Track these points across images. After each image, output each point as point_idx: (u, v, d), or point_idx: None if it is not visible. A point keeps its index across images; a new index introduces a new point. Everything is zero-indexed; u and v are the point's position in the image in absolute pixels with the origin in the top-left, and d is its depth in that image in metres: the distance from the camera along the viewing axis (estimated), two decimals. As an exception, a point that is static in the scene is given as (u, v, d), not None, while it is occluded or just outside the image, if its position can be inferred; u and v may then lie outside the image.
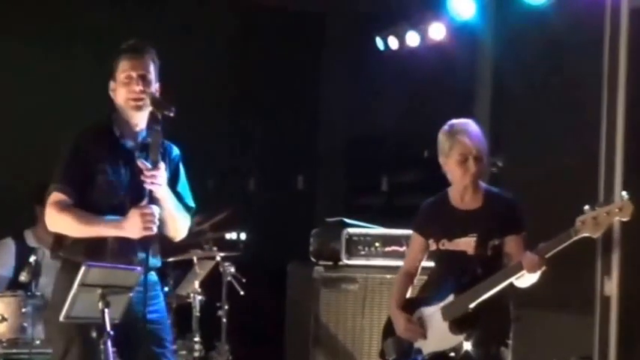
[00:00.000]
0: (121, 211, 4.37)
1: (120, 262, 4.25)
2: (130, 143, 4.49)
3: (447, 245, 4.73)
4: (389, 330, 4.95)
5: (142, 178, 4.28)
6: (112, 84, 4.51)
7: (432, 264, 4.94)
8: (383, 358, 5.01)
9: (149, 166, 4.32)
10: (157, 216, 4.29)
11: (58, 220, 4.39)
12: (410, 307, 4.87)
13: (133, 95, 4.40)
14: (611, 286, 4.86)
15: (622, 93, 4.95)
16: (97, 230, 4.35)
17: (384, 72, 8.47)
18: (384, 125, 8.59)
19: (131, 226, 4.27)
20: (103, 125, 4.52)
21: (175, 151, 4.67)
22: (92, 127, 4.56)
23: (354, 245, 6.55)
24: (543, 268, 4.41)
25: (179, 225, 4.58)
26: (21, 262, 6.02)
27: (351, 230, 6.55)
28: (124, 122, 4.50)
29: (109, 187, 4.42)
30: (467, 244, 4.67)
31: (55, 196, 4.41)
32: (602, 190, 4.90)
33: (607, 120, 4.98)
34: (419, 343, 4.76)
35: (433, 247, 4.80)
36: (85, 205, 4.40)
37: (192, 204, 4.70)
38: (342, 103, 9.32)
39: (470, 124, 4.76)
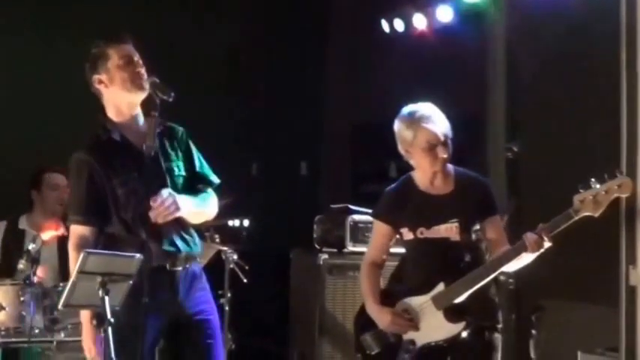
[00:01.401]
0: (147, 209, 4.27)
1: (169, 263, 4.31)
2: (131, 137, 4.39)
3: (426, 233, 4.57)
4: (362, 323, 4.78)
5: (158, 213, 4.22)
6: (97, 77, 4.39)
7: (399, 250, 4.78)
8: (361, 353, 4.81)
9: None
10: (172, 195, 4.23)
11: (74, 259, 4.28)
12: (389, 298, 4.69)
13: (137, 75, 4.33)
14: (637, 276, 4.77)
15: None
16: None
17: (391, 56, 8.38)
18: (391, 110, 8.51)
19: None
20: (99, 135, 4.42)
21: (180, 130, 4.58)
22: (89, 142, 4.43)
23: (359, 232, 6.50)
24: (546, 246, 4.30)
25: (210, 213, 4.59)
26: (10, 247, 5.98)
27: (356, 217, 6.51)
28: (121, 117, 4.41)
29: (131, 197, 4.34)
30: (448, 230, 4.53)
31: (76, 231, 4.36)
32: (625, 170, 4.79)
33: (627, 103, 4.87)
34: (410, 335, 4.60)
35: (409, 236, 4.61)
36: (117, 223, 4.34)
37: (216, 180, 4.63)
38: (347, 88, 9.25)
39: (431, 109, 4.60)
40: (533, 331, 4.66)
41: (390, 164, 8.50)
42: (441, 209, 4.56)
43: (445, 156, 4.53)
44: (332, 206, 6.85)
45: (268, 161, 9.29)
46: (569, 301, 6.42)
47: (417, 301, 4.59)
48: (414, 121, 4.55)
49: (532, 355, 5.39)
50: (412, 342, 4.58)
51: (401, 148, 4.64)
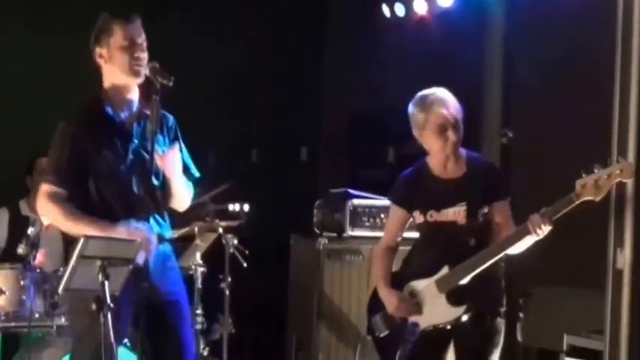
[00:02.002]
0: (125, 192, 4.32)
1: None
2: (123, 115, 4.40)
3: (435, 216, 4.64)
4: (374, 305, 4.85)
5: (160, 164, 4.27)
6: (99, 50, 4.38)
7: (413, 235, 4.84)
8: (372, 335, 4.91)
9: (160, 153, 4.30)
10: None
11: (48, 211, 4.33)
12: (398, 281, 4.77)
13: (137, 61, 4.32)
14: (624, 260, 4.80)
15: (635, 62, 4.86)
16: (83, 230, 4.20)
17: (390, 41, 8.38)
18: (390, 96, 8.51)
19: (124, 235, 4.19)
20: (91, 106, 4.40)
21: (171, 118, 4.59)
22: (80, 111, 4.43)
23: (359, 216, 6.50)
24: (549, 229, 4.34)
25: (184, 197, 4.56)
26: (15, 233, 5.97)
27: (355, 201, 6.51)
28: (116, 95, 4.41)
29: (113, 171, 4.34)
30: (456, 213, 4.59)
31: (47, 187, 4.33)
32: (616, 156, 4.81)
33: (620, 92, 4.89)
34: (414, 318, 4.67)
35: (420, 219, 4.69)
36: (92, 191, 4.33)
37: (197, 173, 4.65)
38: (346, 73, 9.23)
39: (443, 93, 4.66)
40: (521, 315, 4.69)
41: (388, 150, 8.53)
42: (450, 193, 4.62)
43: (455, 139, 4.59)
44: (331, 191, 6.85)
45: (268, 147, 9.28)
46: (555, 285, 6.46)
47: (422, 285, 4.65)
48: (426, 104, 4.62)
49: (519, 338, 5.42)
50: (416, 324, 4.65)
51: (414, 131, 4.70)
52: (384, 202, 6.56)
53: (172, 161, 4.35)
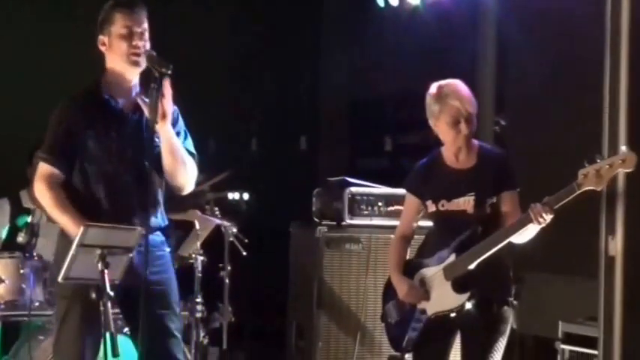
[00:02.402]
0: (113, 177, 4.34)
1: (118, 223, 4.19)
2: (121, 103, 4.41)
3: (446, 206, 4.70)
4: (389, 293, 4.94)
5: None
6: (101, 38, 4.41)
7: (428, 224, 4.93)
8: (384, 321, 4.99)
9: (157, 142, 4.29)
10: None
11: (44, 196, 4.36)
12: (410, 269, 4.84)
13: (135, 50, 4.33)
14: (616, 246, 4.83)
15: (625, 50, 4.88)
16: (64, 224, 4.30)
17: (386, 31, 8.38)
18: (387, 85, 8.53)
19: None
20: (90, 89, 4.45)
21: (174, 110, 4.57)
22: (78, 93, 4.48)
23: (357, 205, 6.49)
24: (550, 218, 4.37)
25: (186, 171, 4.47)
26: (16, 223, 5.98)
27: (353, 189, 6.50)
28: (116, 82, 4.43)
29: (101, 153, 4.36)
30: (466, 203, 4.64)
31: (44, 168, 4.38)
32: (607, 148, 4.85)
33: (610, 77, 4.91)
34: (422, 305, 4.74)
35: (432, 208, 4.75)
36: (78, 173, 4.37)
37: (193, 152, 4.56)
38: (344, 63, 9.25)
39: (458, 85, 4.72)
40: (515, 302, 4.71)
41: (385, 139, 8.54)
42: (461, 183, 4.68)
43: (467, 132, 4.64)
44: (329, 179, 6.85)
45: (268, 136, 9.29)
46: (549, 273, 6.48)
47: (430, 272, 4.71)
48: (440, 96, 4.68)
49: (514, 325, 5.43)
50: (423, 311, 4.72)
51: (430, 121, 4.76)
52: (382, 190, 6.58)
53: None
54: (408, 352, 4.81)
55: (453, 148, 4.72)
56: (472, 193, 4.63)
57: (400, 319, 4.86)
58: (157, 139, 4.35)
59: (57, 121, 4.40)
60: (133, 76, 4.41)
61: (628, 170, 4.32)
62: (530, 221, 4.40)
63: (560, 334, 5.84)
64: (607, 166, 4.28)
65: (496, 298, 4.67)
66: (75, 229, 4.13)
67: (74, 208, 4.30)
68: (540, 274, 6.45)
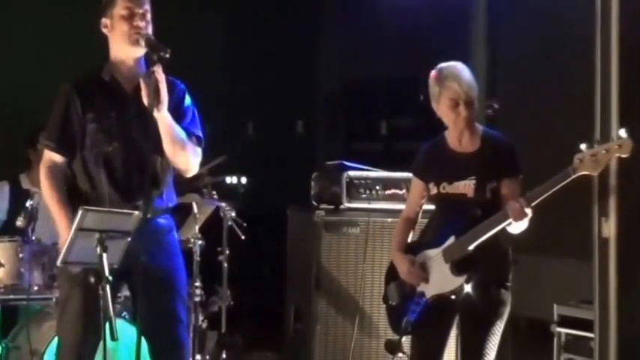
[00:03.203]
0: (115, 159, 4.37)
1: (120, 206, 4.25)
2: (124, 86, 4.44)
3: (447, 189, 4.73)
4: (391, 275, 4.96)
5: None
6: (104, 21, 4.45)
7: (432, 207, 4.94)
8: (386, 303, 5.03)
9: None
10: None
11: (44, 185, 4.44)
12: (412, 251, 4.87)
13: (135, 30, 4.35)
14: (609, 228, 4.84)
15: (615, 33, 4.88)
16: (55, 218, 4.38)
17: (381, 15, 8.38)
18: (382, 69, 8.53)
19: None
20: (92, 73, 4.48)
21: (179, 86, 4.60)
22: (79, 76, 4.53)
23: (355, 188, 6.49)
24: (530, 215, 4.40)
25: (187, 155, 4.48)
26: (16, 206, 5.98)
27: (351, 173, 6.50)
28: (118, 64, 4.46)
29: (101, 135, 4.39)
30: (467, 187, 4.67)
31: (47, 155, 4.44)
32: (599, 131, 4.86)
33: (601, 60, 4.92)
34: (421, 287, 4.76)
35: (434, 190, 4.79)
36: (80, 156, 4.40)
37: (200, 136, 4.58)
38: (339, 47, 9.24)
39: (459, 68, 4.75)
40: (509, 283, 4.73)
41: (380, 123, 8.55)
42: (463, 166, 4.70)
43: (466, 115, 4.66)
44: (327, 163, 6.85)
45: (264, 120, 9.28)
46: (544, 256, 6.49)
47: (431, 254, 4.74)
48: (441, 78, 4.71)
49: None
50: (422, 294, 4.73)
51: (432, 104, 4.79)
52: (380, 173, 6.58)
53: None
54: (406, 334, 4.79)
55: (456, 131, 4.74)
56: (473, 177, 4.66)
57: (400, 300, 4.88)
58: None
59: (57, 106, 4.44)
60: (136, 58, 4.42)
61: (624, 155, 4.33)
62: (508, 217, 4.42)
63: (555, 317, 5.86)
64: (604, 151, 4.28)
65: (494, 282, 4.70)
66: (63, 231, 4.25)
67: (68, 209, 4.34)
68: (535, 256, 6.47)
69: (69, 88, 4.44)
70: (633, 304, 4.84)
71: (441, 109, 4.73)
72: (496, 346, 4.69)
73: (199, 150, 4.57)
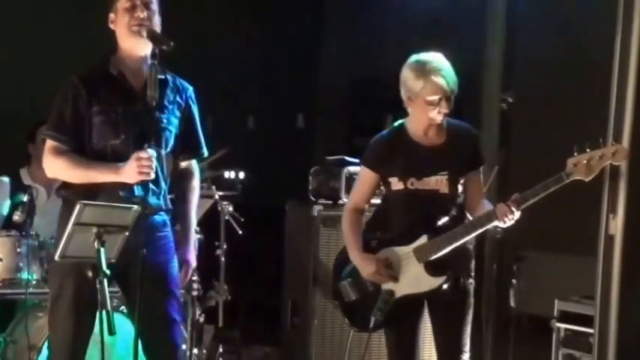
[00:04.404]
0: (123, 152, 4.33)
1: (118, 202, 4.22)
2: (131, 80, 4.42)
3: (416, 184, 4.56)
4: (342, 269, 4.83)
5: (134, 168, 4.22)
6: (110, 16, 4.45)
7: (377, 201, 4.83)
8: (338, 299, 4.88)
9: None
10: (154, 161, 4.23)
11: (55, 166, 4.40)
12: (367, 247, 4.71)
13: (136, 21, 4.34)
14: (616, 226, 4.82)
15: (636, 34, 4.85)
16: (93, 175, 4.32)
17: (389, 9, 8.36)
18: (388, 64, 8.49)
19: (128, 171, 4.22)
20: (99, 66, 4.46)
21: (189, 88, 4.60)
22: (86, 69, 4.50)
23: (354, 184, 6.48)
24: (517, 217, 4.34)
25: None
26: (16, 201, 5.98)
27: (351, 168, 6.49)
28: (125, 58, 4.44)
29: (108, 128, 4.36)
30: (438, 182, 4.53)
31: (49, 143, 4.41)
32: (612, 131, 4.82)
33: (619, 61, 4.88)
34: (389, 285, 4.61)
35: (398, 186, 4.60)
36: (87, 149, 4.38)
37: (205, 152, 4.67)
38: (344, 41, 9.23)
39: (442, 61, 4.53)
40: (514, 281, 4.72)
41: (386, 117, 8.51)
42: (432, 161, 4.54)
43: (447, 111, 4.51)
44: (327, 158, 6.84)
45: (265, 113, 9.27)
46: (547, 251, 6.48)
47: (398, 252, 4.60)
48: (425, 71, 4.49)
49: (512, 303, 5.45)
50: (391, 292, 4.57)
51: (404, 95, 4.59)
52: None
53: None
54: (372, 332, 4.62)
55: (424, 125, 4.56)
56: (444, 172, 4.51)
57: (360, 298, 4.75)
58: (165, 120, 4.39)
59: (61, 98, 4.41)
60: (141, 51, 4.39)
61: (617, 163, 4.31)
62: (495, 218, 4.36)
63: (555, 312, 5.86)
64: (598, 157, 4.26)
65: (462, 273, 4.62)
66: (110, 173, 4.24)
67: (91, 160, 4.32)
68: (536, 251, 6.47)
69: (75, 80, 4.40)
70: (634, 301, 4.84)
71: (418, 103, 4.50)
72: (469, 336, 4.64)
73: (197, 170, 4.71)
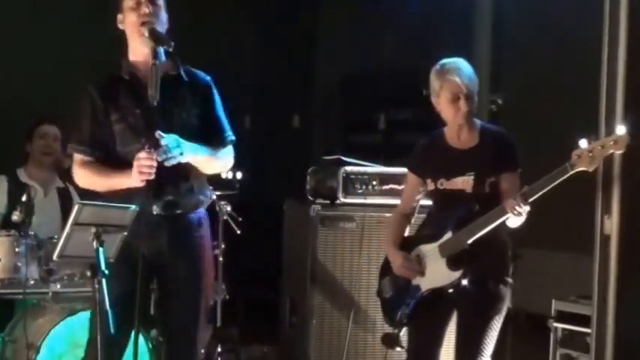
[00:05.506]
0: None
1: (149, 201, 4.24)
2: (144, 80, 4.35)
3: (445, 184, 4.75)
4: (386, 269, 4.99)
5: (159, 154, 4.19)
6: (119, 17, 4.46)
7: (430, 203, 4.96)
8: (380, 296, 5.05)
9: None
10: (154, 161, 4.17)
11: (82, 177, 4.44)
12: (408, 245, 4.90)
13: (142, 18, 4.33)
14: (611, 225, 4.84)
15: (623, 28, 4.86)
16: (114, 183, 4.33)
17: (381, 7, 8.38)
18: (381, 62, 8.53)
19: (133, 174, 4.20)
20: (111, 72, 4.46)
21: (203, 78, 4.62)
22: (99, 77, 4.50)
23: (352, 183, 6.50)
24: (527, 210, 4.41)
25: (223, 164, 4.62)
26: (14, 200, 5.98)
27: (348, 168, 6.50)
28: (136, 62, 4.44)
29: (129, 134, 4.37)
30: (465, 182, 4.68)
31: (76, 156, 4.45)
32: (604, 127, 4.84)
33: (608, 56, 4.89)
34: (416, 280, 4.79)
35: (431, 186, 4.81)
36: (113, 157, 4.38)
37: (230, 135, 4.63)
38: (337, 40, 9.23)
39: (461, 63, 4.75)
40: (510, 280, 4.74)
41: (379, 116, 8.54)
42: (461, 162, 4.72)
43: (466, 110, 4.67)
44: (324, 158, 6.85)
45: (260, 114, 9.28)
46: (544, 250, 6.50)
47: (427, 248, 4.77)
48: (442, 72, 4.72)
49: (509, 303, 5.46)
50: (417, 287, 4.77)
51: (432, 99, 4.80)
52: (376, 169, 6.58)
53: None
54: (401, 327, 4.85)
55: (455, 127, 4.75)
56: (471, 173, 4.67)
57: (395, 294, 4.91)
58: (184, 114, 4.40)
59: (81, 110, 4.43)
60: (146, 48, 4.34)
61: (619, 151, 4.34)
62: (505, 212, 4.45)
63: (552, 312, 5.88)
64: (599, 147, 4.30)
65: (492, 276, 4.70)
66: (124, 178, 4.21)
67: (112, 168, 4.32)
68: (533, 250, 6.48)
69: (90, 89, 4.41)
70: (632, 301, 4.85)
71: (442, 103, 4.73)
72: (493, 342, 4.69)
73: (230, 148, 4.63)
